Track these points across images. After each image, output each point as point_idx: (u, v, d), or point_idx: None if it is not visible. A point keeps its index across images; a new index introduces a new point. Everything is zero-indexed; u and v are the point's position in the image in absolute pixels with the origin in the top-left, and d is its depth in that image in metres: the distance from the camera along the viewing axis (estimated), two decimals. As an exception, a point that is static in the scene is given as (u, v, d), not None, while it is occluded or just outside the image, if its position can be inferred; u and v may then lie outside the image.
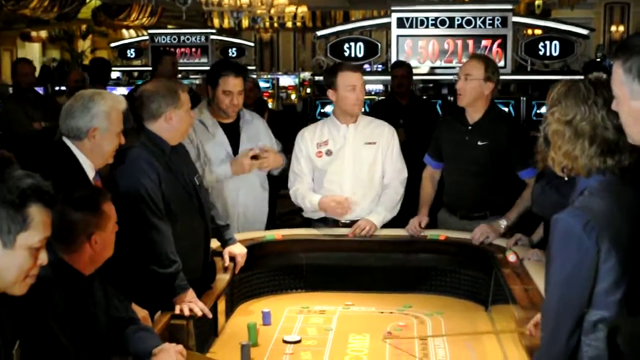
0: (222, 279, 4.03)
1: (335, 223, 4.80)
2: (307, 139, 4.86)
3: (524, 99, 8.31)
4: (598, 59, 11.80)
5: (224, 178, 4.86)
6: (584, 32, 9.29)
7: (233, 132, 4.94)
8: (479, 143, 4.66)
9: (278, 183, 5.52)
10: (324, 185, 4.81)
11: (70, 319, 2.75)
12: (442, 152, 4.91)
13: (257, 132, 5.04)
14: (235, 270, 4.19)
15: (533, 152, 4.63)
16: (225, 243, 4.22)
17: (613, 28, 20.40)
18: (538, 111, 8.04)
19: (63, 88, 11.71)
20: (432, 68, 9.06)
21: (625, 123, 2.17)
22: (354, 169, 4.78)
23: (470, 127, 4.72)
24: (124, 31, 21.51)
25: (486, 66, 4.66)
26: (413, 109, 7.26)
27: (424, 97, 9.02)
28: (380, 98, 9.37)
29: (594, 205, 2.46)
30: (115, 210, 3.01)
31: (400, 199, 4.85)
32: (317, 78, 10.03)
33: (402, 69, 7.60)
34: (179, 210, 3.80)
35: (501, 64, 8.90)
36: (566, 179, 2.72)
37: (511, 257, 4.02)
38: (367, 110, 7.77)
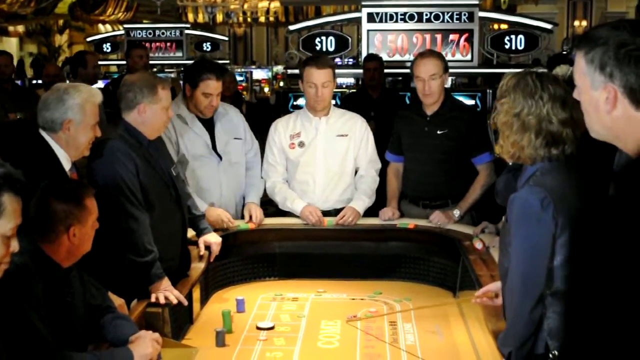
0: (197, 267, 4.10)
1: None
2: (281, 130, 4.93)
3: (490, 91, 8.44)
4: (564, 52, 11.95)
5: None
6: (548, 26, 9.44)
7: (209, 126, 4.90)
8: (438, 132, 4.76)
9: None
10: (297, 177, 4.90)
11: (48, 307, 2.79)
12: (402, 145, 5.00)
13: (233, 124, 5.00)
14: (211, 259, 4.27)
15: (488, 139, 4.79)
16: (200, 232, 4.28)
17: (576, 23, 20.71)
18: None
19: (40, 82, 11.70)
20: (402, 62, 9.17)
21: (586, 112, 2.24)
22: (326, 161, 4.87)
23: (428, 118, 4.82)
24: (100, 26, 21.44)
25: (442, 60, 4.78)
26: (384, 102, 7.35)
27: (394, 90, 9.12)
28: (351, 91, 9.46)
29: (547, 182, 2.64)
30: (97, 205, 3.06)
31: (376, 186, 4.96)
32: (289, 71, 10.10)
33: (374, 62, 7.69)
34: (157, 201, 3.85)
35: (468, 57, 9.05)
36: (510, 163, 2.87)
37: (478, 245, 4.13)
38: (339, 102, 7.86)
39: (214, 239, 4.29)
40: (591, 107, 2.17)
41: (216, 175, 4.86)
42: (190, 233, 4.28)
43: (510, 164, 3.38)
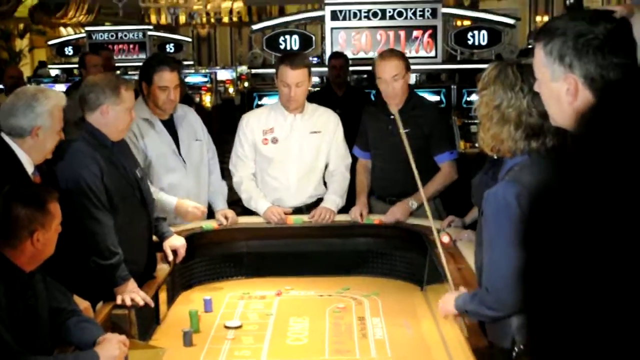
0: (163, 268, 4.08)
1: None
2: (253, 125, 4.88)
3: (454, 87, 8.47)
4: (530, 46, 12.05)
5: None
6: (511, 21, 9.49)
7: (170, 129, 4.78)
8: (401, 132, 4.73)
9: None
10: (269, 172, 4.87)
11: (10, 312, 2.76)
12: (369, 141, 5.01)
13: (192, 126, 4.90)
14: (177, 261, 4.25)
15: (451, 137, 4.79)
16: (162, 236, 4.24)
17: (538, 18, 20.92)
18: (468, 99, 8.20)
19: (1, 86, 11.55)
20: (366, 59, 9.18)
21: (547, 104, 2.25)
22: (299, 157, 4.85)
23: (392, 117, 4.73)
24: (62, 29, 21.24)
25: (404, 59, 4.76)
26: (349, 99, 7.36)
27: (359, 87, 9.13)
28: (316, 89, 9.46)
29: (523, 178, 2.62)
30: (60, 209, 3.02)
31: (347, 184, 4.96)
32: (253, 71, 10.07)
33: (340, 60, 7.68)
34: (122, 203, 3.81)
35: (432, 53, 9.07)
36: (495, 157, 2.87)
37: (444, 238, 4.13)
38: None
39: (179, 242, 4.26)
40: (552, 99, 2.18)
41: (183, 179, 4.77)
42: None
43: (488, 162, 3.40)
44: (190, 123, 4.90)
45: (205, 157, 4.94)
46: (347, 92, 7.58)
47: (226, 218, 4.73)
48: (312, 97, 7.87)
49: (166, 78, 4.62)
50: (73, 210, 3.44)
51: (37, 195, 2.97)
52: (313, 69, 10.12)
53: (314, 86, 10.18)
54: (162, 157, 4.69)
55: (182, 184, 4.73)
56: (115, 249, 3.68)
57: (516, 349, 2.69)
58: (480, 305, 2.74)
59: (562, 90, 2.12)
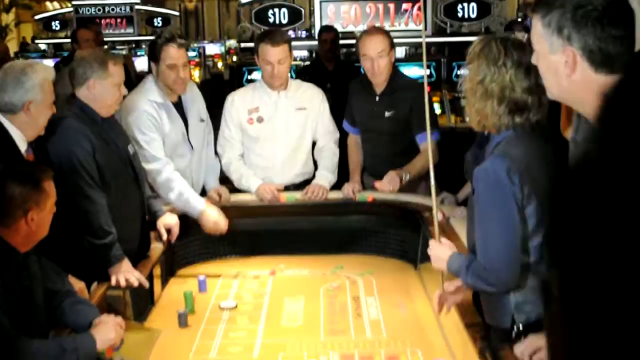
0: (157, 247, 4.08)
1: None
2: (238, 105, 4.83)
3: (444, 60, 8.44)
4: (519, 19, 12.01)
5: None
6: (500, -7, 9.49)
7: (179, 111, 4.64)
8: (386, 114, 4.70)
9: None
10: (256, 151, 4.85)
11: (6, 294, 2.75)
12: (355, 119, 4.96)
13: (198, 106, 4.77)
14: (172, 240, 4.25)
15: (433, 117, 4.76)
16: (155, 214, 4.22)
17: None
18: (458, 72, 8.17)
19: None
20: (356, 32, 9.14)
21: (544, 77, 2.24)
22: (285, 135, 4.83)
23: (377, 98, 4.74)
24: (48, 3, 21.05)
25: (388, 36, 4.68)
26: (339, 73, 7.31)
27: (349, 61, 9.10)
28: (305, 63, 9.41)
29: (512, 152, 2.64)
30: (54, 188, 3.00)
31: (337, 159, 4.94)
32: (242, 45, 10.01)
33: (331, 34, 7.61)
34: (114, 180, 3.79)
35: (421, 26, 9.02)
36: (486, 134, 2.87)
37: (438, 216, 4.13)
38: (294, 76, 7.80)
39: (173, 221, 4.24)
40: (550, 71, 2.18)
41: (189, 164, 4.69)
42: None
43: (479, 135, 3.39)
44: (196, 103, 4.78)
45: (207, 138, 4.89)
46: (337, 66, 7.53)
47: (219, 196, 4.71)
48: (303, 72, 7.86)
49: (173, 54, 4.46)
50: (65, 188, 3.41)
51: (32, 174, 2.94)
52: (302, 43, 10.16)
53: (303, 61, 10.17)
54: (173, 143, 4.59)
55: (188, 168, 4.67)
56: (108, 228, 3.67)
57: (515, 328, 2.73)
58: (478, 281, 2.73)
59: (560, 63, 2.11)
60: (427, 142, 4.45)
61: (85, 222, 3.65)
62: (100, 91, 3.79)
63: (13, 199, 2.85)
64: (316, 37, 8.11)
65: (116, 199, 3.80)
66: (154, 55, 4.53)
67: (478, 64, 2.74)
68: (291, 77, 5.32)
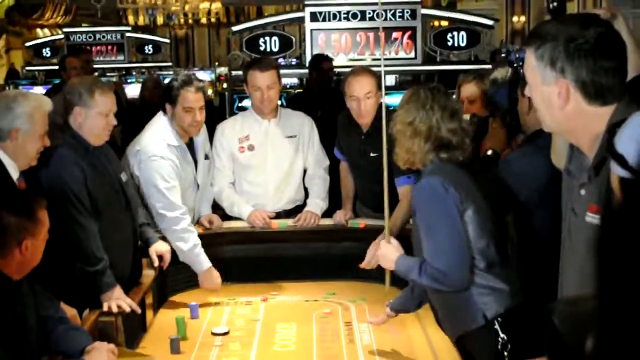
0: (148, 274, 4.08)
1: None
2: (228, 134, 4.84)
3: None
4: (503, 54, 12.08)
5: None
6: (489, 22, 9.53)
7: (191, 151, 4.64)
8: (372, 155, 4.51)
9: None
10: (247, 179, 4.85)
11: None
12: (344, 151, 4.91)
13: (204, 143, 4.76)
14: (164, 267, 4.24)
15: None
16: (147, 241, 4.21)
17: (515, 18, 21.18)
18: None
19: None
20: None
21: (538, 108, 2.25)
22: (276, 163, 4.83)
23: (363, 137, 4.64)
24: (39, 30, 21.06)
25: (376, 77, 4.52)
26: (331, 100, 7.30)
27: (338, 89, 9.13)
28: (297, 91, 9.45)
29: (440, 170, 3.03)
30: (48, 217, 3.00)
31: (327, 185, 4.94)
32: (233, 73, 10.05)
33: (330, 62, 7.65)
34: (106, 208, 3.80)
35: (412, 55, 9.11)
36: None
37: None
38: (284, 103, 7.83)
39: (164, 248, 4.24)
40: (544, 103, 2.20)
41: (194, 202, 4.71)
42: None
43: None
44: (204, 142, 4.77)
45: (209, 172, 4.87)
46: (328, 94, 7.49)
47: (210, 223, 4.72)
48: (294, 99, 7.87)
49: (190, 99, 4.42)
50: (58, 216, 3.40)
51: (26, 204, 2.94)
52: (293, 71, 10.19)
53: (293, 88, 10.21)
54: (185, 185, 4.57)
55: (194, 205, 4.72)
56: (100, 255, 3.67)
57: (496, 322, 2.94)
58: (434, 282, 2.97)
59: (554, 94, 2.13)
60: (402, 186, 4.38)
61: (78, 249, 3.65)
62: (84, 120, 3.79)
63: (8, 228, 2.84)
64: (307, 65, 8.14)
65: (108, 226, 3.81)
66: (170, 97, 4.47)
67: (408, 108, 3.11)
68: (281, 105, 5.34)
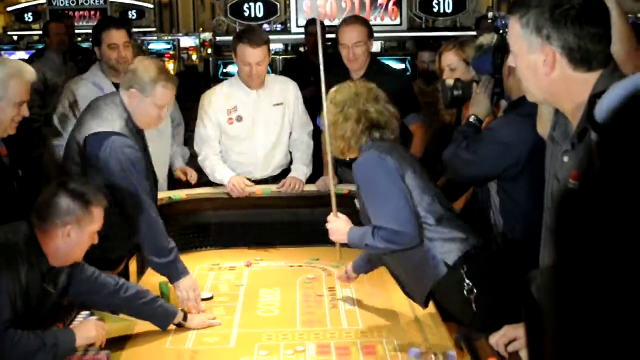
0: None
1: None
2: (216, 105, 4.77)
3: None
4: (490, 20, 12.05)
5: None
6: (476, -12, 9.53)
7: None
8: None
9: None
10: (236, 149, 4.83)
11: (27, 290, 2.86)
12: None
13: None
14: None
15: (415, 101, 4.89)
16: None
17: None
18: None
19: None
20: (331, 27, 9.14)
21: (523, 77, 2.25)
22: (265, 132, 4.81)
23: None
24: (21, -5, 20.81)
25: (367, 26, 4.77)
26: (327, 67, 7.24)
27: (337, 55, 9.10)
28: (290, 57, 9.35)
29: (376, 147, 3.20)
30: (103, 220, 3.06)
31: (311, 151, 4.96)
32: (218, 39, 9.99)
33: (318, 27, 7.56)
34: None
35: (397, 21, 9.07)
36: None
37: None
38: (279, 70, 7.79)
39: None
40: (529, 71, 2.20)
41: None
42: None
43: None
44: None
45: (168, 124, 4.90)
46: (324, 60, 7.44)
47: (185, 174, 4.74)
48: (289, 66, 7.83)
49: (114, 36, 4.68)
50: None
51: (85, 195, 3.00)
52: (278, 37, 10.14)
53: (278, 54, 10.16)
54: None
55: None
56: (170, 245, 3.72)
57: (465, 285, 3.00)
58: (389, 243, 3.09)
59: (540, 62, 2.13)
60: (414, 124, 4.66)
61: (147, 241, 3.71)
62: (139, 105, 3.73)
63: (58, 207, 2.93)
64: (291, 32, 8.11)
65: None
66: (97, 39, 4.77)
67: (335, 101, 3.33)
68: (272, 71, 5.32)
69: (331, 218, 3.46)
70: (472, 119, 3.51)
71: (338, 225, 3.41)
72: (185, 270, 3.68)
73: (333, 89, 3.41)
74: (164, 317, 3.32)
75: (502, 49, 3.42)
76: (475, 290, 2.98)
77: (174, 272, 3.65)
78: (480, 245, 3.10)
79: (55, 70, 6.80)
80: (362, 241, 3.19)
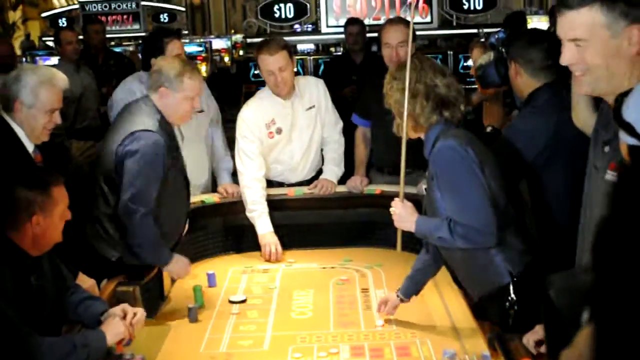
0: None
1: (280, 185, 4.88)
2: (254, 122, 4.68)
3: (451, 52, 8.40)
4: (482, 39, 12.02)
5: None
6: (506, -16, 9.47)
7: None
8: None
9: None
10: (274, 157, 4.81)
11: (17, 295, 2.77)
12: (369, 111, 4.91)
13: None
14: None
15: None
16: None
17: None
18: (465, 64, 8.14)
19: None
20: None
21: (597, 67, 2.22)
22: (300, 137, 4.80)
23: None
24: (55, 0, 21.05)
25: (410, 27, 4.72)
26: (367, 66, 7.21)
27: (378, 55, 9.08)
28: (333, 56, 9.29)
29: (452, 134, 3.03)
30: (67, 196, 2.98)
31: (342, 150, 4.94)
32: (249, 40, 10.02)
33: (356, 26, 7.50)
34: (177, 186, 3.91)
35: (428, 19, 9.03)
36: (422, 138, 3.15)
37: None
38: (322, 69, 7.80)
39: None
40: (607, 57, 2.18)
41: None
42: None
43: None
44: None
45: (205, 128, 4.93)
46: (365, 59, 7.40)
47: (227, 192, 4.74)
48: (330, 65, 7.80)
49: (178, 47, 4.75)
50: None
51: (41, 178, 2.93)
52: (309, 37, 10.14)
53: (309, 55, 10.16)
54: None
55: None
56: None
57: (509, 298, 2.94)
58: (466, 240, 2.96)
59: (623, 43, 2.14)
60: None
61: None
62: (171, 102, 3.77)
63: (18, 202, 2.84)
64: (321, 32, 8.10)
65: (171, 197, 3.85)
66: (155, 49, 4.75)
67: (400, 76, 3.11)
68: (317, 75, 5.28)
69: (397, 203, 3.25)
70: (488, 129, 3.51)
71: (405, 211, 3.21)
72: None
73: (393, 68, 3.26)
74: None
75: (502, 60, 3.49)
76: (516, 307, 2.93)
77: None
78: (531, 261, 3.04)
79: (68, 79, 6.77)
80: (434, 233, 3.06)
